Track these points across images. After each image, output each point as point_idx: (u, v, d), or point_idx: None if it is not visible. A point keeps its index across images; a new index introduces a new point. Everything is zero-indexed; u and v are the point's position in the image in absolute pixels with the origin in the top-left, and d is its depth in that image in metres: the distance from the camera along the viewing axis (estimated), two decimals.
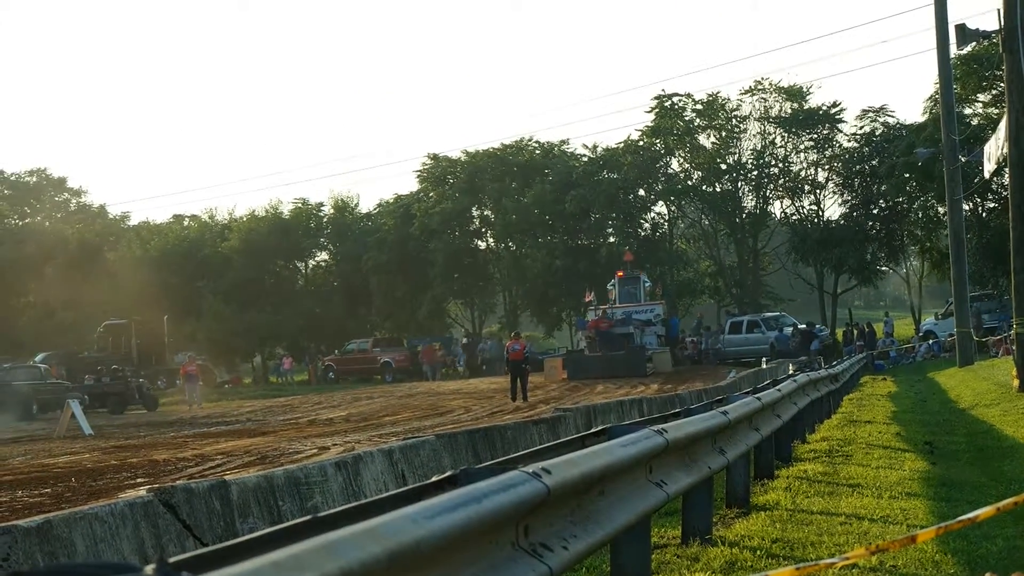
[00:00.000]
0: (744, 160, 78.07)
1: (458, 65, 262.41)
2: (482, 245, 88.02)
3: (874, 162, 74.12)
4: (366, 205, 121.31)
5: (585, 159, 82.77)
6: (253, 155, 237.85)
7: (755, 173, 77.82)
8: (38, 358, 71.00)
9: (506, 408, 35.81)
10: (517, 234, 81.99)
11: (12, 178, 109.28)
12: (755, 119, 77.59)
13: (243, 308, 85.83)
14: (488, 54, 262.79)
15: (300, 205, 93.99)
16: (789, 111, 76.88)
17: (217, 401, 60.78)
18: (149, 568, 2.68)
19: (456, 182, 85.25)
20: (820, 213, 77.48)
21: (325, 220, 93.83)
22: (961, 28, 36.75)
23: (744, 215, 78.28)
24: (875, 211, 75.39)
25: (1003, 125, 30.59)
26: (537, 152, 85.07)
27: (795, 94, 76.56)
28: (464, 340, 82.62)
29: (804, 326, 63.85)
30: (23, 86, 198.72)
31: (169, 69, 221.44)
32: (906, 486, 14.02)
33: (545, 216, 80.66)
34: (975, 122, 64.15)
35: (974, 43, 40.99)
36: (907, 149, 66.01)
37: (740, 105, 77.88)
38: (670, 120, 78.66)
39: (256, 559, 2.94)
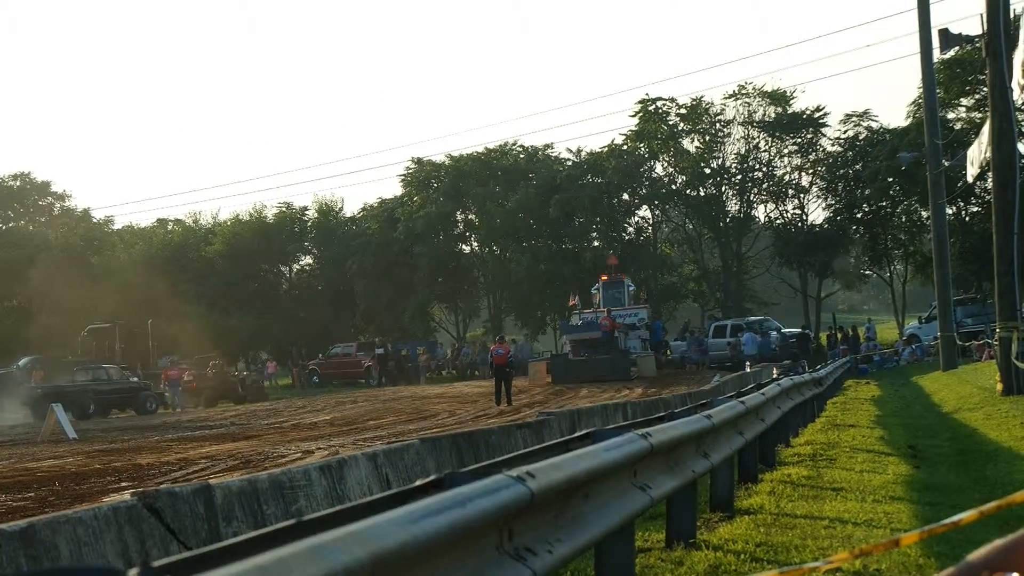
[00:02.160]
0: (728, 164, 78.26)
1: (443, 69, 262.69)
2: (466, 249, 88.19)
3: (858, 166, 74.30)
4: (350, 209, 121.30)
5: (569, 163, 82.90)
6: (237, 159, 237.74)
7: (739, 177, 78.02)
8: (21, 362, 70.74)
9: (491, 412, 35.79)
10: (501, 238, 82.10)
11: None
12: (739, 123, 77.84)
13: (227, 312, 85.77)
14: (473, 58, 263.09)
15: (284, 209, 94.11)
16: (773, 115, 77.08)
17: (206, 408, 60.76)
18: (133, 572, 2.68)
19: (440, 186, 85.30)
20: (804, 217, 77.66)
21: (309, 224, 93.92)
22: (944, 33, 36.85)
23: (728, 219, 78.44)
24: (859, 215, 75.54)
25: (986, 129, 30.68)
26: (521, 156, 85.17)
27: (779, 98, 76.73)
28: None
29: (801, 330, 64.39)
30: (7, 90, 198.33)
31: (155, 74, 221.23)
32: (890, 490, 14.04)
33: (529, 220, 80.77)
34: (958, 126, 64.32)
35: (957, 48, 41.04)
36: (890, 153, 66.22)
37: (724, 109, 78.19)
38: (654, 124, 78.81)
39: (240, 563, 2.94)
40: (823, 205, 77.23)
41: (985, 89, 33.73)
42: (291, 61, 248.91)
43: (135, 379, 57.20)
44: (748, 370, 46.50)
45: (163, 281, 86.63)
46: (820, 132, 76.78)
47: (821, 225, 76.45)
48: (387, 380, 68.74)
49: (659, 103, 78.89)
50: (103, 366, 58.33)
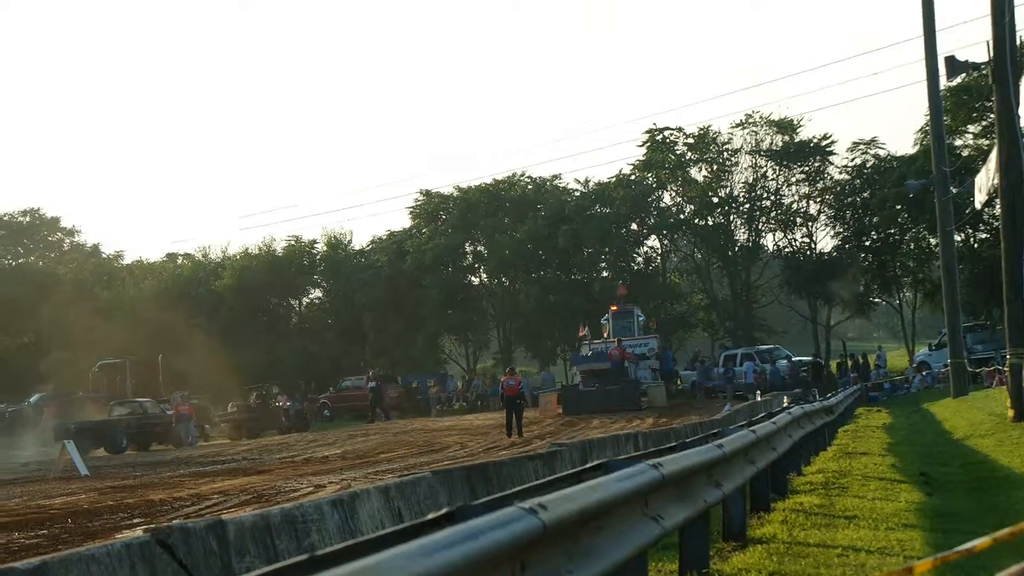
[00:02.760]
0: (736, 193, 78.21)
1: (449, 101, 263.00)
2: (475, 281, 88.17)
3: (865, 194, 74.20)
4: (359, 242, 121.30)
5: (577, 193, 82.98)
6: (247, 193, 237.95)
7: (747, 206, 77.97)
8: (33, 399, 70.84)
9: (501, 444, 35.77)
10: (510, 269, 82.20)
11: (5, 218, 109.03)
12: (746, 152, 77.76)
13: (237, 346, 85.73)
14: (479, 90, 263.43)
15: (293, 242, 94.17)
16: (780, 144, 77.01)
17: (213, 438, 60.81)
18: None
19: (449, 218, 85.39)
20: (812, 245, 77.56)
21: (318, 257, 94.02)
22: (951, 60, 36.85)
23: (736, 248, 78.35)
24: (867, 243, 75.45)
25: (993, 156, 30.67)
26: (529, 187, 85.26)
27: (786, 127, 76.71)
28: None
29: (813, 358, 64.41)
30: (16, 126, 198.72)
31: (162, 108, 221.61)
32: (902, 517, 14.01)
33: (538, 251, 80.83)
34: (966, 153, 64.26)
35: (963, 75, 41.08)
36: (898, 181, 66.20)
37: (731, 138, 78.11)
38: (661, 154, 78.83)
39: None
40: (831, 233, 77.20)
41: (992, 116, 33.70)
42: (299, 96, 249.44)
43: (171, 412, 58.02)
44: (759, 399, 46.44)
45: (173, 316, 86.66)
46: (827, 160, 76.68)
47: (830, 253, 76.35)
48: (384, 416, 67.11)
49: (666, 132, 78.96)
50: (139, 400, 58.72)
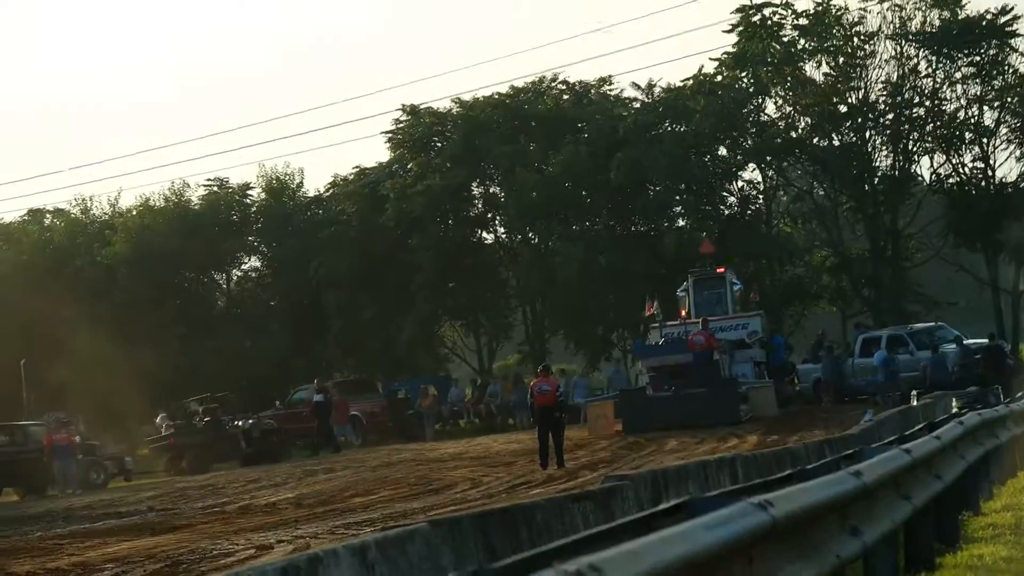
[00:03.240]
0: (874, 99, 78.01)
1: None
2: (488, 238, 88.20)
3: None
4: (313, 184, 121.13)
5: (637, 104, 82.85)
6: (141, 119, 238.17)
7: (890, 117, 77.79)
8: None
9: (534, 479, 35.88)
10: (539, 220, 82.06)
11: None
12: (887, 37, 77.51)
13: (137, 344, 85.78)
14: None
15: (216, 188, 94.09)
16: (937, 23, 76.76)
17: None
18: None
19: (447, 146, 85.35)
20: (989, 173, 77.35)
21: (254, 209, 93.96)
22: None
23: (877, 180, 78.22)
24: None
25: None
26: (566, 97, 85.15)
27: None
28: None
29: (989, 341, 63.97)
30: None
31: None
32: None
33: (580, 192, 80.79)
34: None
35: None
36: None
37: (864, 17, 77.81)
38: (762, 42, 78.56)
39: None
40: (1017, 153, 76.99)
41: None
42: None
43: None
44: (914, 403, 46.45)
45: (40, 301, 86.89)
46: (1009, 45, 76.48)
47: (1015, 183, 76.16)
48: (331, 445, 66.50)
49: (768, 10, 78.68)
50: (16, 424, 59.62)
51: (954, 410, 31.03)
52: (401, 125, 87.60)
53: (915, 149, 78.59)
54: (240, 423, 68.32)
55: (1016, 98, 76.35)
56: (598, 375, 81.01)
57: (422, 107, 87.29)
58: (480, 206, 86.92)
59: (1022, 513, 19.57)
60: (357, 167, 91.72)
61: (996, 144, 77.42)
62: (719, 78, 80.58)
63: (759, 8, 78.43)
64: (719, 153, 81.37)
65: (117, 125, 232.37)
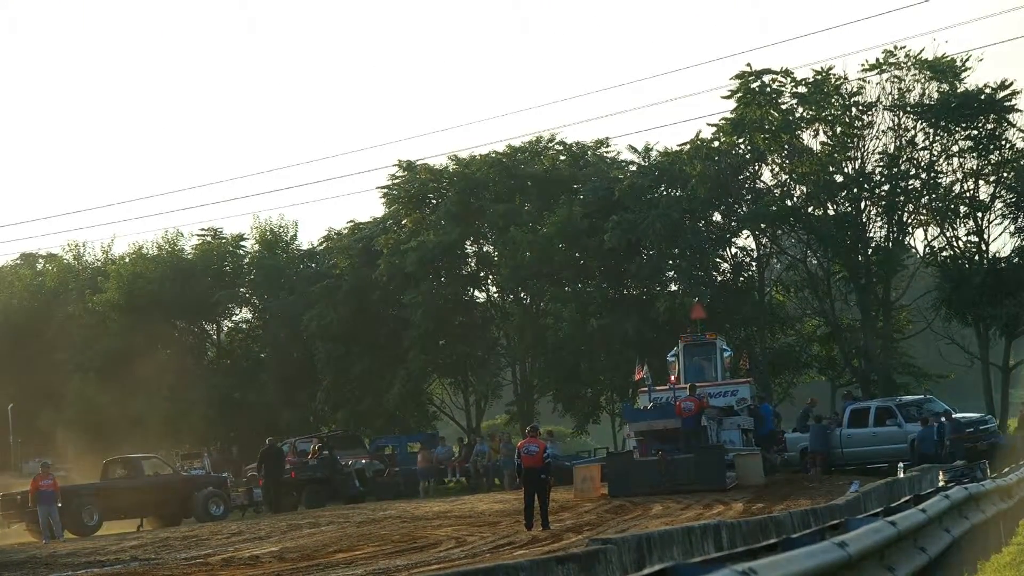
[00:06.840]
0: (870, 169, 78.10)
1: (440, 29, 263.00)
2: (480, 296, 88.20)
3: None
4: (307, 237, 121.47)
5: (633, 168, 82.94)
6: (140, 167, 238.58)
7: (886, 188, 77.88)
8: None
9: (518, 539, 35.86)
10: (532, 280, 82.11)
11: None
12: (885, 107, 77.65)
13: (126, 392, 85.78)
14: (489, 15, 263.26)
15: (209, 239, 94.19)
16: (936, 95, 76.90)
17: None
18: None
19: (442, 203, 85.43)
20: (983, 247, 77.43)
21: (247, 261, 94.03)
22: None
23: (871, 251, 78.27)
24: None
25: None
26: (562, 158, 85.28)
27: (944, 70, 76.60)
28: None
29: (980, 415, 64.48)
30: None
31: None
32: None
33: (574, 253, 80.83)
34: None
35: None
36: None
37: (863, 87, 77.93)
38: (760, 109, 78.62)
39: None
40: (1011, 229, 77.02)
41: None
42: (220, 31, 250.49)
43: (199, 471, 60.34)
44: (901, 475, 46.51)
45: (31, 347, 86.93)
46: (1006, 120, 76.59)
47: (1009, 258, 76.19)
48: (272, 507, 64.82)
49: (767, 77, 78.73)
50: (134, 457, 60.50)
51: (940, 483, 31.07)
52: (397, 180, 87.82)
53: (910, 221, 78.62)
54: (351, 462, 70.53)
55: (1012, 173, 76.40)
56: (585, 438, 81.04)
57: (418, 163, 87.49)
58: (473, 264, 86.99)
59: None
60: (351, 221, 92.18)
61: (991, 219, 77.47)
62: (716, 143, 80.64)
63: (759, 75, 78.49)
64: (714, 218, 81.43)
65: (112, 171, 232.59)
